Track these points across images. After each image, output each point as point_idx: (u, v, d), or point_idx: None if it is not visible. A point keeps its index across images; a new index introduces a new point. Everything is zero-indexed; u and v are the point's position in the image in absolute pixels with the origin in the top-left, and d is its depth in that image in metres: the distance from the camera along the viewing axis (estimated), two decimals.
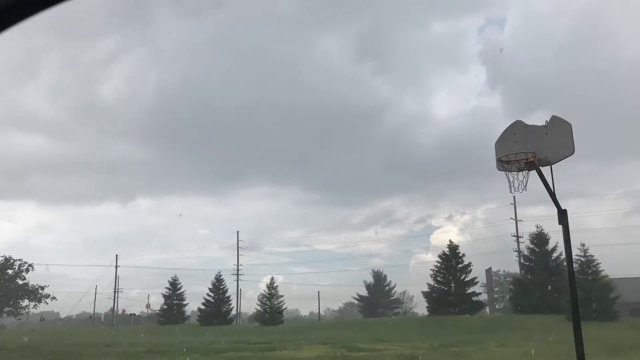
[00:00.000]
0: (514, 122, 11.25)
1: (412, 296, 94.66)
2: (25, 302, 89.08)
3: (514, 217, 68.43)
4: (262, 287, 66.65)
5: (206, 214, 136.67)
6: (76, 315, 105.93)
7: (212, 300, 66.55)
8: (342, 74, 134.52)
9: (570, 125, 10.69)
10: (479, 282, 59.73)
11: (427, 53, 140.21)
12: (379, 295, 76.65)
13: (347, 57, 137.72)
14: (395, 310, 75.98)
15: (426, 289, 57.54)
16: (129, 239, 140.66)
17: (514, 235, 67.86)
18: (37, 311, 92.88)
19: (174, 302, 70.41)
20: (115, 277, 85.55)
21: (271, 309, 63.76)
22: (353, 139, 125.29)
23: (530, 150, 10.59)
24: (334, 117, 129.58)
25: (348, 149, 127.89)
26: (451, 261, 56.93)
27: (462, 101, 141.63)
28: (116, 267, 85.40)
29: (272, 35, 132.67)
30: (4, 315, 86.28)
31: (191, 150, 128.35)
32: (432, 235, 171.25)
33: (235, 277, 77.62)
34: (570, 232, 10.58)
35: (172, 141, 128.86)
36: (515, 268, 65.10)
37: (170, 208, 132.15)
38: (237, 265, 79.26)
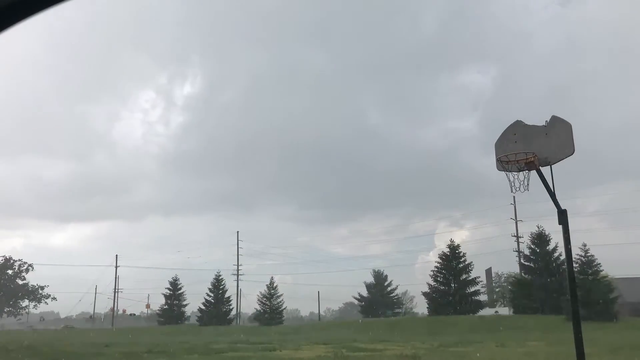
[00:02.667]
0: (514, 122, 11.18)
1: (413, 296, 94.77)
2: (25, 302, 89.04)
3: (514, 218, 68.45)
4: (264, 289, 66.54)
5: (215, 226, 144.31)
6: (76, 315, 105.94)
7: (212, 301, 66.54)
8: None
9: (570, 125, 10.66)
10: (480, 282, 59.75)
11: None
12: (379, 295, 76.58)
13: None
14: (396, 311, 75.93)
15: (426, 289, 57.69)
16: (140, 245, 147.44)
17: (514, 235, 67.85)
18: (37, 311, 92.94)
19: (174, 302, 70.38)
20: (115, 277, 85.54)
21: (271, 309, 63.74)
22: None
23: (530, 150, 10.56)
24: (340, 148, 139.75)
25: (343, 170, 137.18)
26: (451, 262, 56.97)
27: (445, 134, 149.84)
28: (116, 267, 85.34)
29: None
30: (4, 315, 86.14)
31: (206, 178, 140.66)
32: (432, 237, 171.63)
33: (236, 278, 77.77)
34: (570, 232, 10.56)
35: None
36: (515, 268, 65.11)
37: (183, 223, 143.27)
38: (237, 265, 79.32)
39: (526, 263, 55.44)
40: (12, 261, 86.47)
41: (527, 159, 10.54)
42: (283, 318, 66.63)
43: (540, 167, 10.53)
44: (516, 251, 66.26)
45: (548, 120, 10.86)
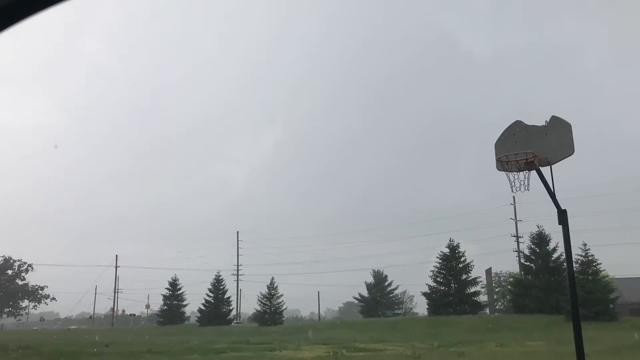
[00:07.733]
0: (514, 122, 11.17)
1: (412, 296, 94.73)
2: (25, 303, 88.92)
3: (514, 218, 68.41)
4: (264, 289, 66.45)
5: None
6: (76, 315, 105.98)
7: (212, 301, 66.48)
8: None
9: (570, 125, 10.65)
10: (480, 282, 59.66)
11: None
12: (379, 296, 76.62)
13: None
14: (396, 311, 75.90)
15: (426, 289, 57.63)
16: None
17: (514, 235, 67.81)
18: (37, 312, 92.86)
19: (174, 302, 70.33)
20: (115, 278, 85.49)
21: (271, 309, 63.65)
22: None
23: (530, 150, 10.55)
24: None
25: None
26: (451, 261, 56.91)
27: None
28: (116, 267, 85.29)
29: None
30: (4, 315, 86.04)
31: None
32: (432, 237, 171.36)
33: (236, 278, 77.73)
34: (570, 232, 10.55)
35: None
36: (515, 268, 65.06)
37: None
38: (237, 265, 79.29)
39: (526, 263, 55.40)
40: (12, 261, 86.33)
41: (527, 159, 10.53)
42: (283, 318, 66.56)
43: (540, 167, 10.53)
44: (516, 251, 66.30)
45: (548, 120, 10.86)
